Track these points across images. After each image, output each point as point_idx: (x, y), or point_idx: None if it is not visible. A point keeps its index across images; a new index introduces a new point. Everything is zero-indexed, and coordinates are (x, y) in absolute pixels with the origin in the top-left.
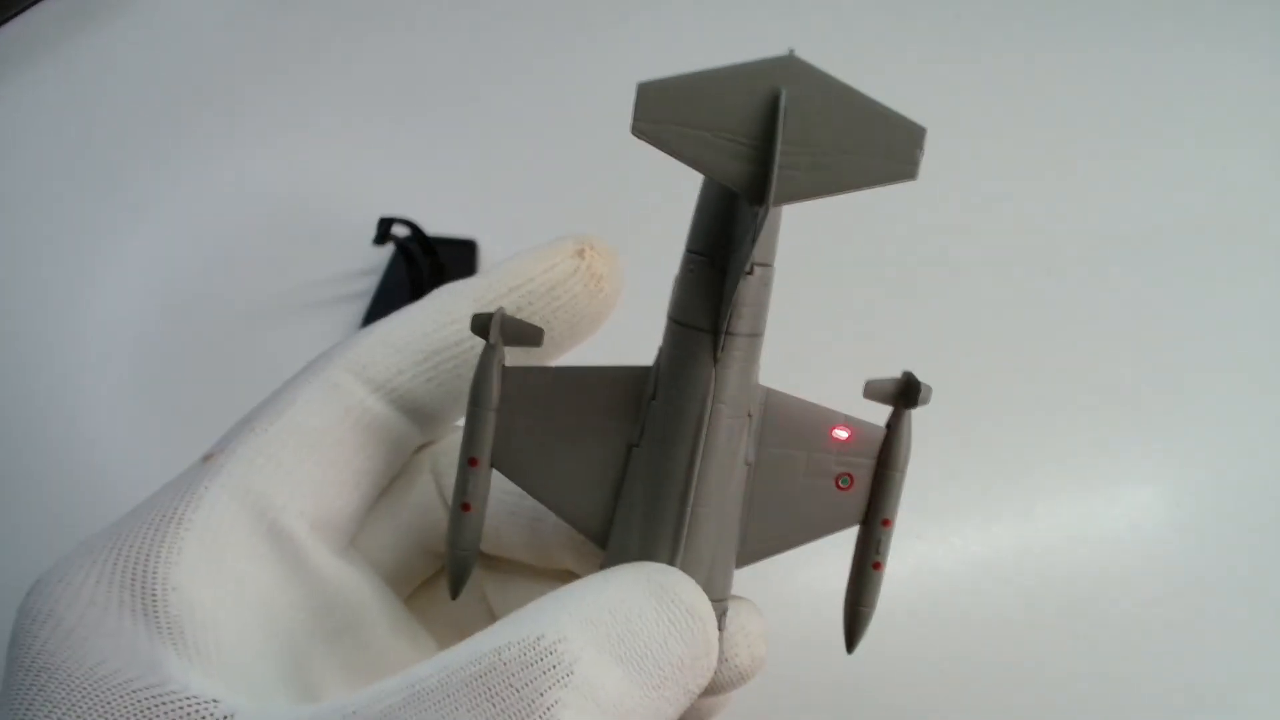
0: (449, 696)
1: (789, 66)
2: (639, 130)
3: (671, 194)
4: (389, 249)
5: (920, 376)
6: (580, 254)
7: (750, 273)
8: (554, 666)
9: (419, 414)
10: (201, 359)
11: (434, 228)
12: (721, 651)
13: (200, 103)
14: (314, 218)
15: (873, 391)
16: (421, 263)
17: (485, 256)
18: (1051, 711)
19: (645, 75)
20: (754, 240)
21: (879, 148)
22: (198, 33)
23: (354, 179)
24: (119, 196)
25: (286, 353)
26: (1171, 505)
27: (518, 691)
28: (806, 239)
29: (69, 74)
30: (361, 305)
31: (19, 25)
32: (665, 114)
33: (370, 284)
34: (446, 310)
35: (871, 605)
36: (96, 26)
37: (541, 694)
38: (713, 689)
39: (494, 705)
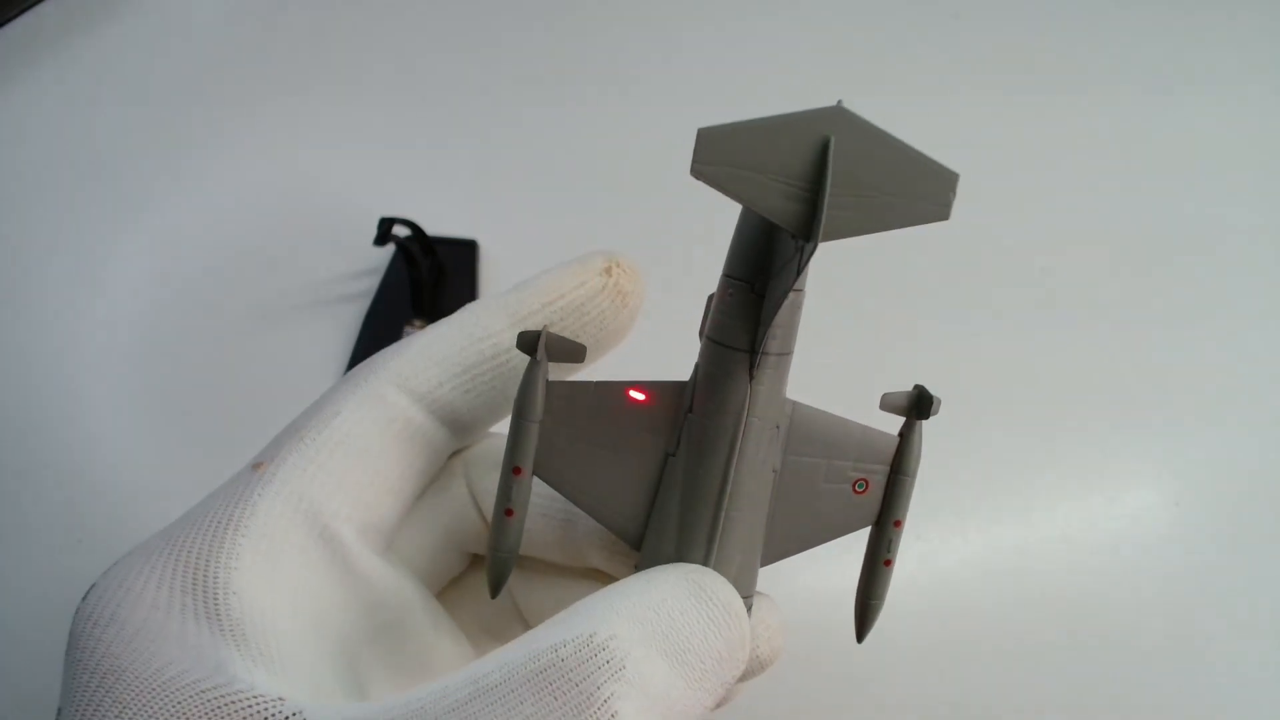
0: (512, 692)
1: (838, 116)
2: (698, 172)
3: (667, 192)
4: (389, 249)
5: (921, 378)
6: (608, 271)
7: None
8: (608, 662)
9: (456, 424)
10: (202, 359)
11: (434, 228)
12: None
13: (200, 103)
14: (314, 218)
15: (888, 404)
16: (422, 263)
17: (485, 256)
18: (1051, 710)
19: (645, 77)
20: (799, 271)
21: (917, 191)
22: (198, 33)
23: (354, 179)
24: (119, 197)
25: (287, 353)
26: (1171, 505)
27: (576, 685)
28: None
29: (69, 74)
30: (362, 305)
31: (19, 25)
32: (722, 157)
33: (370, 284)
34: (483, 325)
35: (881, 598)
36: (96, 26)
37: (599, 687)
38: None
39: (556, 699)
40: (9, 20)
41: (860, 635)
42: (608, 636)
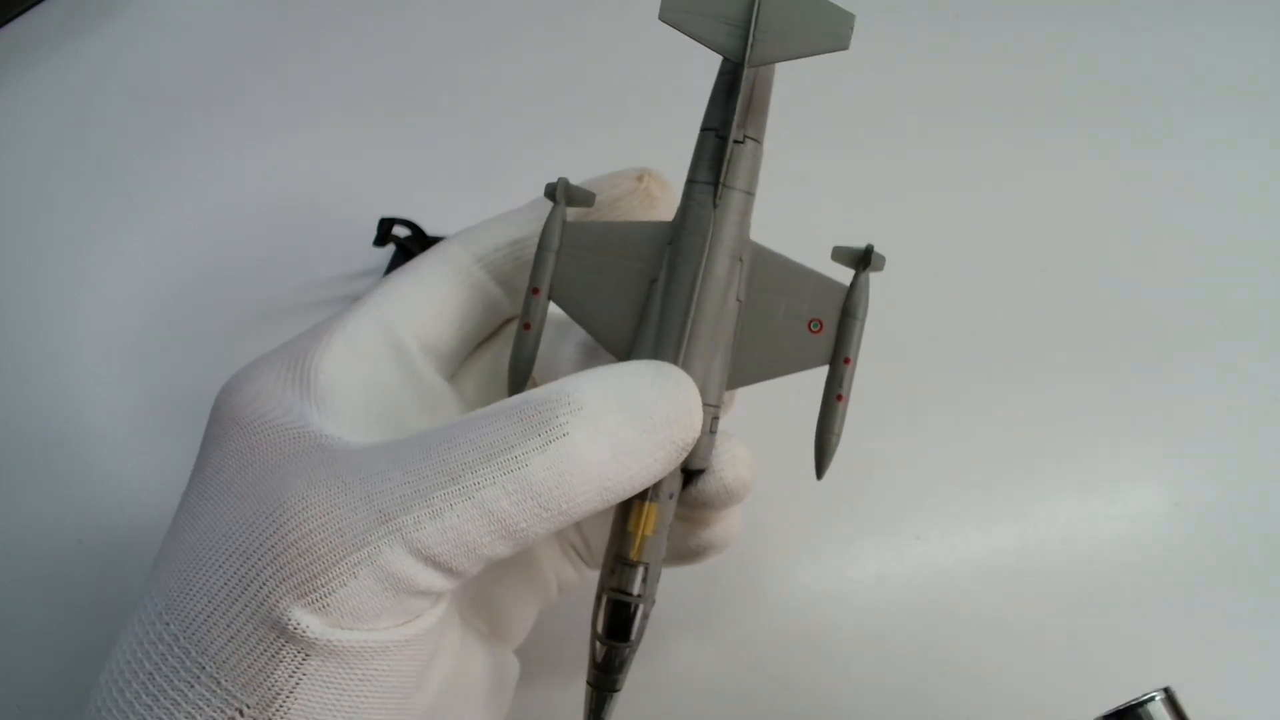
0: (490, 416)
1: None
2: (664, 17)
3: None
4: (389, 249)
5: (920, 378)
6: (639, 179)
7: (741, 142)
8: (568, 403)
9: (506, 285)
10: (202, 359)
11: (434, 228)
12: (711, 465)
13: (200, 103)
14: (314, 218)
15: (839, 256)
16: None
17: None
18: (1051, 711)
19: (646, 79)
20: (738, 98)
21: (823, 29)
22: (197, 33)
23: (354, 179)
24: (118, 196)
25: None
26: (1171, 505)
27: (540, 412)
28: (814, 249)
29: (69, 74)
30: None
31: (19, 26)
32: (682, 6)
33: (370, 284)
34: (536, 210)
35: (837, 433)
36: (96, 26)
37: (557, 416)
38: (706, 500)
39: (522, 420)
40: (9, 20)
41: (819, 470)
42: (573, 390)
